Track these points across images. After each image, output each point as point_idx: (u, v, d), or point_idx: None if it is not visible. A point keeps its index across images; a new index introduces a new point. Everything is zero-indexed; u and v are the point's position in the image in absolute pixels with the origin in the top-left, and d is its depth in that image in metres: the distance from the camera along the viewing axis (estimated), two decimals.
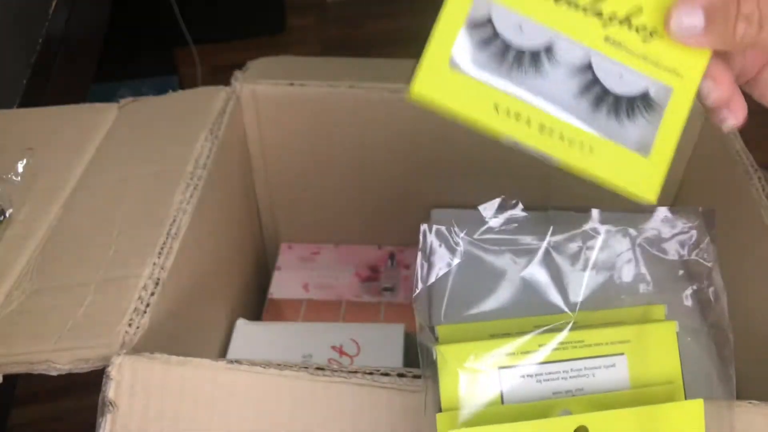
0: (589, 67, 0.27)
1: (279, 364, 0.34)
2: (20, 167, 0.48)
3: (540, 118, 0.27)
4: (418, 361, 0.57)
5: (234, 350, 0.52)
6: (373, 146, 0.60)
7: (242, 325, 0.54)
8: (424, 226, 0.30)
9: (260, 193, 0.65)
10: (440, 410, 0.28)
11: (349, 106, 0.57)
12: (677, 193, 0.60)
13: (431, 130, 0.58)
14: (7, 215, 0.45)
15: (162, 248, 0.41)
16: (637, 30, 0.27)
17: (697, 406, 0.28)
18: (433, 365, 0.29)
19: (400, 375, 0.33)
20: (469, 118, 0.27)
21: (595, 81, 0.27)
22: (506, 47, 0.27)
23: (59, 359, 0.36)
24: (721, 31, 0.27)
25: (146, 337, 0.37)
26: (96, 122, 0.53)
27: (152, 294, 0.39)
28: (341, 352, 0.50)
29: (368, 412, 0.33)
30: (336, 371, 0.34)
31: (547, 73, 0.27)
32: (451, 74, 0.27)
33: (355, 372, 0.34)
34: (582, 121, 0.27)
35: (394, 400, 0.33)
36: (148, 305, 0.38)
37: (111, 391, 0.34)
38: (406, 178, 0.62)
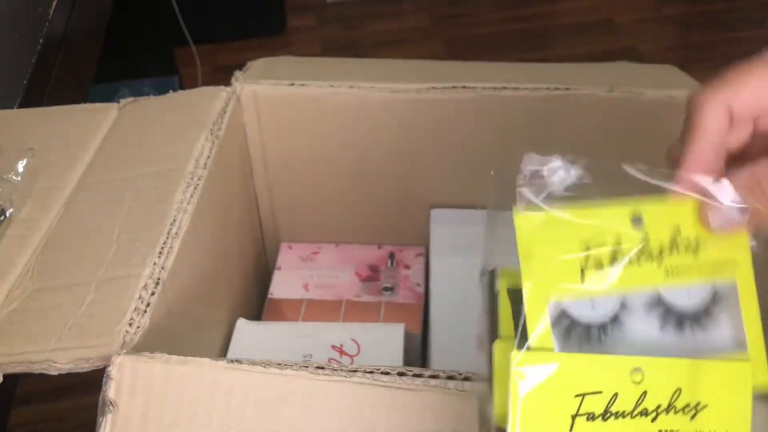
0: (660, 301, 0.29)
1: (279, 364, 0.34)
2: (21, 167, 0.48)
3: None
4: (417, 360, 0.57)
5: (234, 350, 0.52)
6: (373, 146, 0.60)
7: (242, 324, 0.54)
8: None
9: (260, 193, 0.65)
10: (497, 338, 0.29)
11: (349, 107, 0.57)
12: None
13: (431, 130, 0.59)
14: (8, 215, 0.45)
15: (162, 248, 0.41)
16: (686, 247, 0.29)
17: (746, 368, 0.28)
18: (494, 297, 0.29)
19: (401, 374, 0.33)
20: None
21: (670, 309, 0.29)
22: (588, 327, 0.28)
23: (59, 359, 0.36)
24: (756, 210, 0.29)
25: (146, 336, 0.37)
26: (96, 122, 0.53)
27: (152, 294, 0.39)
28: (341, 352, 0.51)
29: (368, 410, 0.33)
30: (336, 370, 0.34)
31: (629, 327, 0.29)
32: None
33: (356, 371, 0.34)
34: (679, 354, 0.28)
35: (395, 399, 0.33)
36: (148, 305, 0.38)
37: (111, 390, 0.34)
38: (406, 178, 0.62)
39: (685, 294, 0.29)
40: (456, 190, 0.63)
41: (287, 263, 0.66)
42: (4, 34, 0.74)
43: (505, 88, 0.56)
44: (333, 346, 0.51)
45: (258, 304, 0.63)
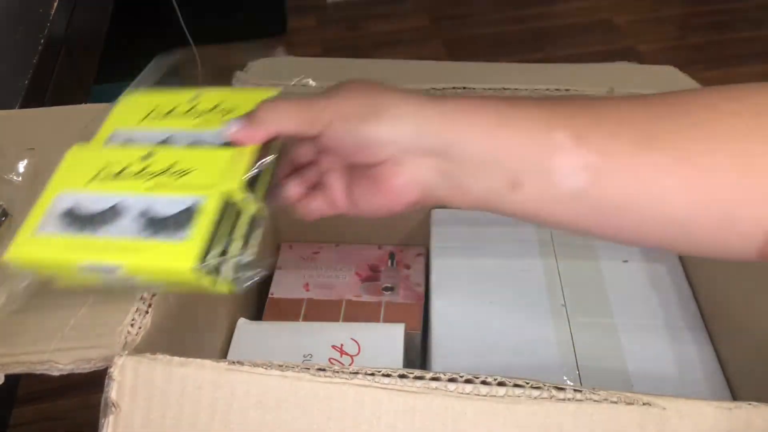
0: (148, 209, 0.38)
1: (281, 365, 0.34)
2: (21, 167, 0.48)
3: (113, 244, 0.37)
4: (417, 359, 0.57)
5: (235, 350, 0.52)
6: None
7: (243, 324, 0.54)
8: None
9: None
10: None
11: None
12: None
13: None
14: (9, 215, 0.45)
15: None
16: (172, 174, 0.40)
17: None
18: None
19: (402, 376, 0.33)
20: (56, 260, 0.37)
21: (155, 216, 0.38)
22: (86, 215, 0.38)
23: (61, 359, 0.36)
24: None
25: (148, 337, 0.37)
26: (98, 123, 0.53)
27: (154, 294, 0.39)
28: (342, 352, 0.51)
29: (369, 412, 0.33)
30: (337, 372, 0.34)
31: (120, 220, 0.38)
32: (39, 238, 0.38)
33: (356, 373, 0.34)
34: (140, 236, 0.37)
35: (396, 401, 0.33)
36: (150, 306, 0.39)
37: (113, 392, 0.34)
38: None
39: (170, 204, 0.38)
40: None
41: (288, 263, 0.66)
42: (5, 34, 0.74)
43: (504, 88, 0.56)
44: (333, 346, 0.51)
45: (258, 304, 0.63)
